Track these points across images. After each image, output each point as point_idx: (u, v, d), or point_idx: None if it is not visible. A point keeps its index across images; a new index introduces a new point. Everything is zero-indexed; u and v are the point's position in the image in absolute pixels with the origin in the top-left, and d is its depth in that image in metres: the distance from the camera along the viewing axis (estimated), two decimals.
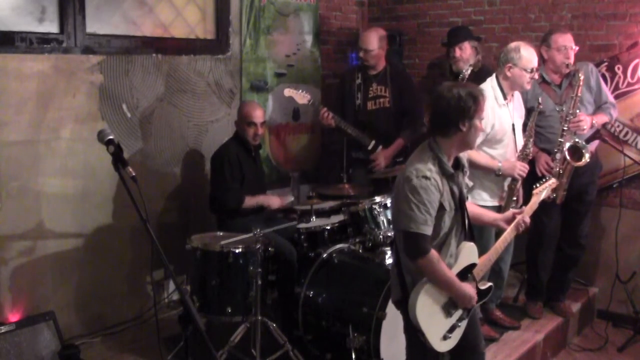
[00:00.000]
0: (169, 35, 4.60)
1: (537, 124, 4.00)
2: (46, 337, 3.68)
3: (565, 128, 4.07)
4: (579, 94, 4.04)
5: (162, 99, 4.52)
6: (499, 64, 3.88)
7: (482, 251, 2.92)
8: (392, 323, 3.33)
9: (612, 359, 4.48)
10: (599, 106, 4.30)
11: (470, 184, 3.76)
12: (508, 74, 3.82)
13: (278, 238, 3.97)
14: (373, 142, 4.86)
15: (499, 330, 4.23)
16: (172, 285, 4.65)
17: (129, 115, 4.33)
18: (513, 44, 3.86)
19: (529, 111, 4.07)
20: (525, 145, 3.91)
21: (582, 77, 4.02)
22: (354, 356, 3.49)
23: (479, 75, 4.41)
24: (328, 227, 4.13)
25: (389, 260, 3.87)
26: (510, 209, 3.35)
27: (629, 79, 4.75)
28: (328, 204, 4.47)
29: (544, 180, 3.34)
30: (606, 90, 4.38)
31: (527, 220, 3.02)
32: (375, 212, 4.04)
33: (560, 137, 4.08)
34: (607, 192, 4.91)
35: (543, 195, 3.23)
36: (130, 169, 2.52)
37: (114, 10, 4.26)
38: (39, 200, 3.91)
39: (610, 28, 4.81)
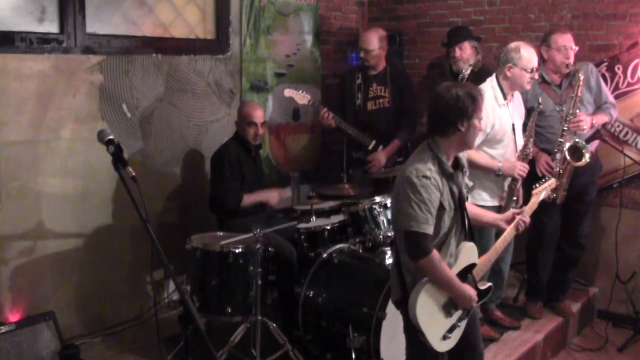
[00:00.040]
0: (169, 35, 4.60)
1: (537, 124, 4.00)
2: (46, 337, 3.68)
3: (565, 128, 4.07)
4: (579, 94, 4.04)
5: (162, 99, 4.52)
6: (499, 64, 3.88)
7: (482, 251, 2.92)
8: (392, 323, 3.33)
9: (612, 359, 4.48)
10: (599, 106, 4.30)
11: (470, 184, 3.76)
12: (508, 74, 3.82)
13: (278, 238, 3.97)
14: (374, 142, 4.86)
15: (499, 330, 4.23)
16: (172, 285, 4.65)
17: (129, 115, 4.33)
18: (513, 44, 3.86)
19: (529, 111, 4.07)
20: (525, 145, 3.91)
21: (582, 77, 4.02)
22: (354, 356, 3.49)
23: (479, 75, 4.41)
24: (328, 227, 4.13)
25: (389, 260, 3.87)
26: (510, 209, 3.35)
27: (629, 79, 4.75)
28: (328, 204, 4.47)
29: (543, 180, 3.35)
30: (606, 90, 4.38)
31: (527, 220, 3.02)
32: (375, 212, 4.04)
33: (560, 137, 4.08)
34: (607, 192, 4.90)
35: (542, 196, 3.23)
36: (130, 169, 2.51)
37: (114, 10, 4.26)
38: (39, 200, 3.92)
39: (610, 28, 4.81)
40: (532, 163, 4.06)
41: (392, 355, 3.40)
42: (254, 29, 5.11)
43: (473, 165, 3.61)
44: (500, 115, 3.81)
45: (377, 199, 4.09)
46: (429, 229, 2.63)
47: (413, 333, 2.75)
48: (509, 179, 3.89)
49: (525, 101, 4.12)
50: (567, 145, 4.07)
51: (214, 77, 4.85)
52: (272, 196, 4.34)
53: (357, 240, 4.08)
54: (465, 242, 2.82)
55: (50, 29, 3.92)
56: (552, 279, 4.59)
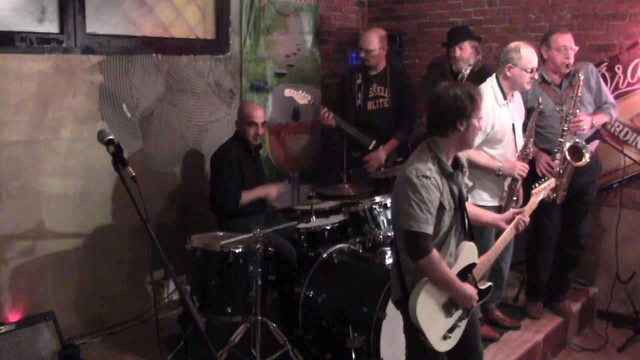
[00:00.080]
0: (169, 35, 4.60)
1: (537, 124, 4.00)
2: (46, 337, 3.68)
3: (565, 128, 4.07)
4: (579, 94, 4.04)
5: (162, 99, 4.52)
6: (499, 64, 3.88)
7: (482, 251, 2.92)
8: (392, 323, 3.33)
9: (612, 359, 4.48)
10: (599, 106, 4.30)
11: (470, 184, 3.76)
12: (508, 74, 3.82)
13: (278, 238, 3.96)
14: (374, 142, 4.86)
15: (499, 330, 4.23)
16: (172, 285, 4.66)
17: (129, 115, 4.33)
18: (513, 44, 3.86)
19: (529, 111, 4.07)
20: (525, 145, 3.91)
21: (582, 77, 4.02)
22: (354, 356, 3.49)
23: (479, 75, 4.41)
24: (328, 227, 4.13)
25: (389, 260, 3.86)
26: (510, 209, 3.35)
27: (629, 79, 4.75)
28: (328, 204, 4.47)
29: (542, 180, 3.35)
30: (606, 91, 4.38)
31: (527, 219, 3.03)
32: (375, 212, 4.04)
33: (561, 137, 4.08)
34: (607, 192, 4.91)
35: (542, 195, 3.24)
36: (130, 169, 2.51)
37: (114, 10, 4.26)
38: (39, 200, 3.92)
39: (610, 28, 4.81)
40: (532, 163, 4.06)
41: (392, 355, 3.40)
42: (254, 29, 5.11)
43: (473, 165, 3.61)
44: (500, 115, 3.81)
45: (377, 199, 4.09)
46: (429, 229, 2.63)
47: (413, 333, 2.75)
48: (509, 179, 3.89)
49: (525, 101, 4.12)
50: (567, 145, 4.07)
51: (214, 77, 4.85)
52: (271, 190, 4.34)
53: (357, 240, 4.08)
54: (465, 242, 2.82)
55: (50, 29, 3.92)
56: (552, 279, 4.59)
